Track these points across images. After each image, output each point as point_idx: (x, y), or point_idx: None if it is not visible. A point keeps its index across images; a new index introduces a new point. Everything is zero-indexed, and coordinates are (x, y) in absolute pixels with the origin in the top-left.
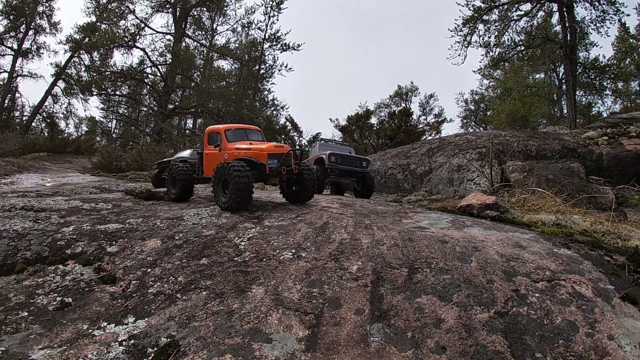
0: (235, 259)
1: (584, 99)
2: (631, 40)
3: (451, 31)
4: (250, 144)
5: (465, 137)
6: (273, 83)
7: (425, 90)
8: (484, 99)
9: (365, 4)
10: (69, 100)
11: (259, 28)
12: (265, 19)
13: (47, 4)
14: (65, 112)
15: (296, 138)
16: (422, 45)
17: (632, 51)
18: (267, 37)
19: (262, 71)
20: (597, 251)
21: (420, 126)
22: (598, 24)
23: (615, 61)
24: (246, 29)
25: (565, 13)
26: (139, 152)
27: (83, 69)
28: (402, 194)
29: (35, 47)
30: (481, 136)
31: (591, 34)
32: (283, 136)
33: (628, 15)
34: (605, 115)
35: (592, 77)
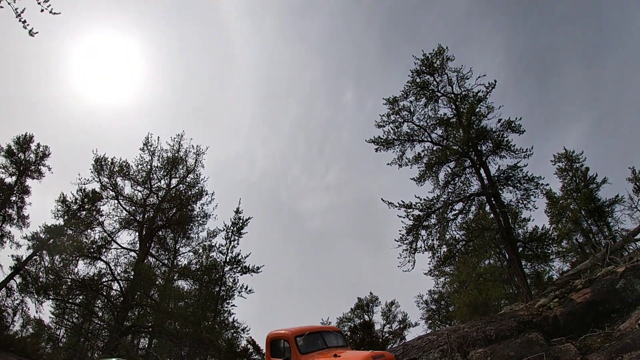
0: None
1: (532, 270)
2: (560, 201)
3: (397, 241)
4: (335, 355)
5: (427, 338)
6: (233, 305)
7: (385, 298)
8: (443, 296)
9: (311, 224)
10: (22, 297)
11: (220, 251)
12: (226, 243)
13: (19, 195)
14: (13, 308)
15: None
16: (373, 255)
17: (565, 210)
18: (227, 260)
19: (222, 293)
20: None
21: (385, 335)
22: (524, 202)
23: (552, 225)
24: (207, 251)
25: (493, 202)
26: None
27: (42, 269)
28: None
29: None
30: (441, 334)
31: (522, 212)
32: (245, 359)
33: (547, 184)
34: (555, 277)
35: (534, 248)
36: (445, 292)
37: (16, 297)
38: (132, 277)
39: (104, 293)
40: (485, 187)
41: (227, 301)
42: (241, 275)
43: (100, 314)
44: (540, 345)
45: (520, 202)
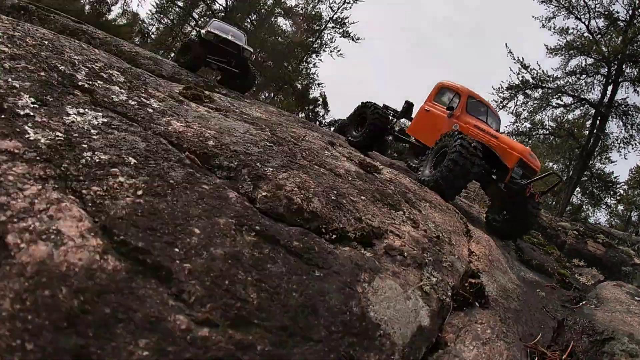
0: None
1: (579, 201)
2: None
3: (494, 89)
4: (497, 131)
5: None
6: (320, 59)
7: None
8: None
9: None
10: None
11: (330, 7)
12: (340, 1)
13: None
14: None
15: (321, 113)
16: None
17: None
18: (333, 17)
19: (314, 45)
20: None
21: None
22: (622, 145)
23: (626, 185)
24: (315, 1)
25: (597, 121)
26: None
27: None
28: None
29: None
30: None
31: (612, 151)
32: (312, 106)
33: None
34: (590, 222)
35: (595, 187)
36: None
37: None
38: None
39: (207, 1)
40: (602, 104)
41: (317, 53)
42: (340, 37)
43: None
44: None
45: (619, 142)
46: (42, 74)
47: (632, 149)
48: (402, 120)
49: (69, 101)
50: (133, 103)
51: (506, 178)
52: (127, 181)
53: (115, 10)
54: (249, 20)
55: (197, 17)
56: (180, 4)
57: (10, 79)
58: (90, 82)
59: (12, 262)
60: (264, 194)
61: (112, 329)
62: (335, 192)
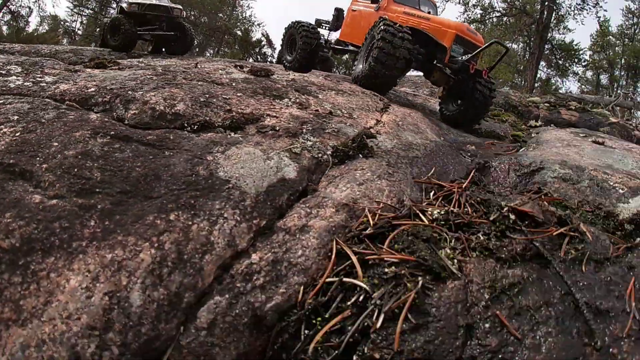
0: None
1: (544, 74)
2: (608, 37)
3: None
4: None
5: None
6: None
7: None
8: None
9: None
10: None
11: None
12: None
13: None
14: (29, 7)
15: (269, 54)
16: None
17: (609, 48)
18: None
19: None
20: None
21: None
22: (576, 11)
23: (589, 51)
24: None
25: None
26: None
27: None
28: None
29: None
30: None
31: (568, 20)
32: (257, 49)
33: (606, 10)
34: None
35: (559, 57)
36: None
37: None
38: None
39: None
40: None
41: None
42: None
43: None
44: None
45: (573, 9)
46: None
47: (587, 13)
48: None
49: None
50: (28, 84)
51: (445, 58)
52: (9, 130)
53: (34, 20)
54: None
55: None
56: None
57: None
58: None
59: None
60: (132, 112)
61: None
62: (207, 95)
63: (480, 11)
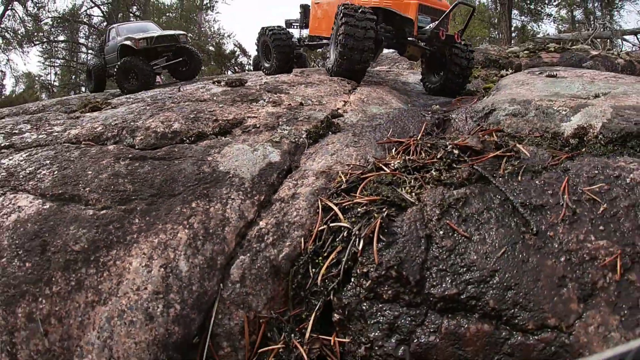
0: None
1: (519, 22)
2: None
3: None
4: None
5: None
6: (218, 12)
7: None
8: None
9: None
10: (7, 56)
11: None
12: None
13: None
14: (2, 71)
15: (245, 63)
16: None
17: None
18: None
19: (204, 1)
20: None
21: None
22: None
23: None
24: None
25: None
26: None
27: (19, 21)
28: None
29: None
30: None
31: None
32: (232, 60)
33: None
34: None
35: (529, 2)
36: None
37: (1, 59)
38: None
39: (87, 22)
40: None
41: (211, 9)
42: None
43: (87, 44)
44: None
45: None
46: None
47: None
48: None
49: (1, 158)
50: (42, 136)
51: (414, 30)
52: (47, 171)
53: (9, 82)
54: (131, 15)
55: (83, 41)
56: (62, 37)
57: None
58: (9, 141)
59: None
60: (139, 138)
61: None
62: (195, 112)
63: None
